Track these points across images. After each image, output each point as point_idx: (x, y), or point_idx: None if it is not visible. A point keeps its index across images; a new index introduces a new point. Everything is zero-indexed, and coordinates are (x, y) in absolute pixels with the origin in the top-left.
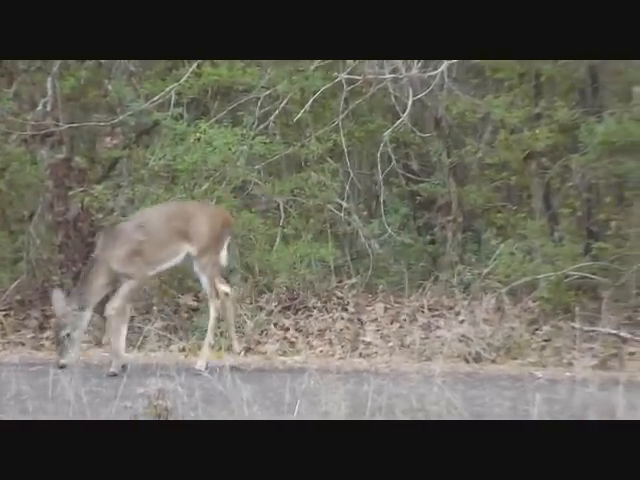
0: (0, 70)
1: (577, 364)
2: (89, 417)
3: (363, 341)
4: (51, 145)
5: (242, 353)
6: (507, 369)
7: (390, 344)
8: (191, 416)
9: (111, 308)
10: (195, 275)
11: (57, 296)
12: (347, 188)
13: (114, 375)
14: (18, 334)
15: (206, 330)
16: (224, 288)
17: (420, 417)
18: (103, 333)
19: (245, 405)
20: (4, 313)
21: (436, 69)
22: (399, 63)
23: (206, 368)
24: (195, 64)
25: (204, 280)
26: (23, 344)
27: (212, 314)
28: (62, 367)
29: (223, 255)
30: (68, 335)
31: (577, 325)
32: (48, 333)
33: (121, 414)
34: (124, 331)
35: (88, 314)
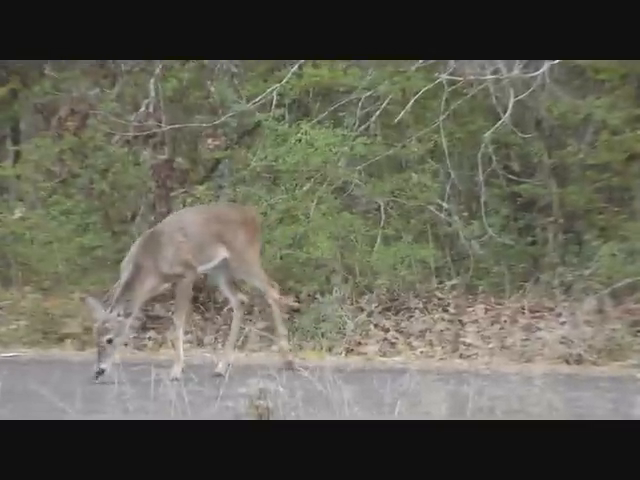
0: (103, 72)
1: None
2: (190, 417)
3: (463, 342)
4: (153, 146)
5: (343, 354)
6: (608, 371)
7: (490, 345)
8: (292, 416)
9: (178, 318)
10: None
11: (93, 303)
12: (448, 189)
13: (219, 375)
14: None
15: (308, 331)
16: (241, 297)
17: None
18: (205, 334)
19: (346, 405)
20: None
21: (537, 70)
22: (500, 64)
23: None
24: (296, 65)
25: (253, 282)
26: (126, 344)
27: (275, 311)
28: (101, 372)
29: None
30: (110, 341)
31: None
32: (150, 333)
33: (223, 414)
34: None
35: (130, 320)
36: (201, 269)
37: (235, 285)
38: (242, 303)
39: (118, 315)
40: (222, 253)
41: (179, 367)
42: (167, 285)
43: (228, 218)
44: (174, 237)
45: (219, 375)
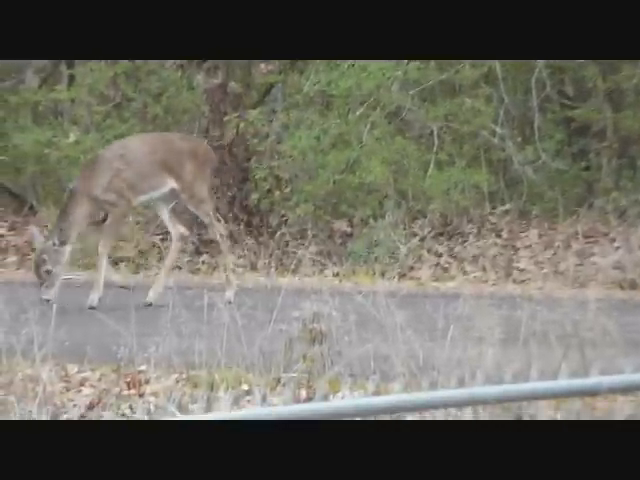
0: None
1: None
2: (244, 340)
3: (517, 267)
4: (207, 70)
5: (395, 278)
6: None
7: (544, 270)
8: (345, 340)
9: (102, 246)
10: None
11: (35, 233)
12: (501, 114)
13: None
14: None
15: (361, 255)
16: (181, 229)
17: (574, 343)
18: (258, 258)
19: (399, 329)
20: (161, 237)
21: None
22: None
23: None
24: None
25: (200, 215)
26: (180, 268)
27: (223, 247)
28: (47, 301)
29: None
30: (49, 272)
31: None
32: (204, 257)
33: (276, 337)
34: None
35: (68, 248)
36: (143, 198)
37: (175, 217)
38: (182, 235)
39: (54, 244)
40: (169, 183)
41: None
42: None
43: (177, 148)
44: (113, 163)
45: (149, 305)
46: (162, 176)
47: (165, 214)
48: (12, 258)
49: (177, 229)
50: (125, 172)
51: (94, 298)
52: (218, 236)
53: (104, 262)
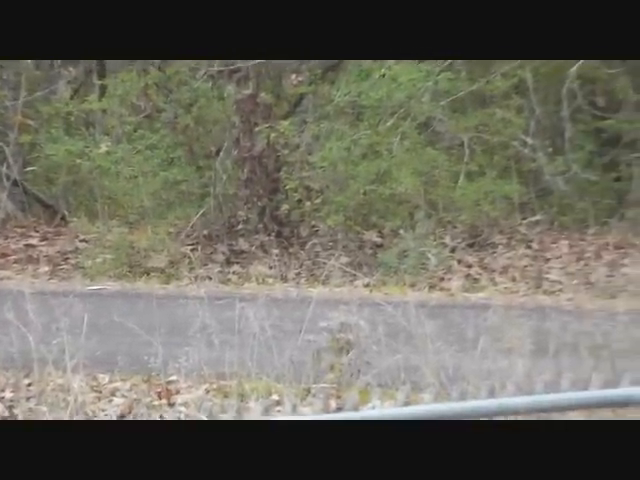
0: None
1: None
2: (274, 350)
3: (547, 278)
4: (238, 81)
5: (425, 289)
6: None
7: (574, 281)
8: (374, 350)
9: None
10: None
11: None
12: (532, 124)
13: None
14: (205, 268)
15: (391, 266)
16: None
17: (605, 354)
18: (288, 268)
19: (428, 340)
20: (192, 247)
21: None
22: None
23: None
24: None
25: None
26: (210, 278)
27: None
28: None
29: None
30: None
31: None
32: (235, 268)
33: (306, 348)
34: None
35: None
36: None
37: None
38: None
39: None
40: None
41: None
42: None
43: None
44: None
45: None
46: None
47: None
48: (44, 268)
49: None
50: None
51: None
52: None
53: None
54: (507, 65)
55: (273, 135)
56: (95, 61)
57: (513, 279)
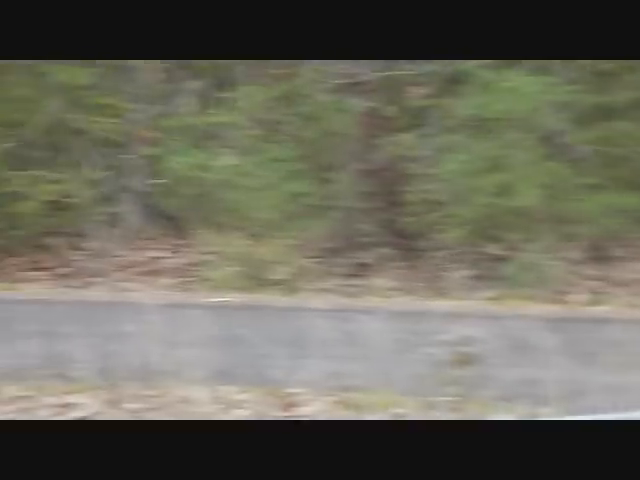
0: None
1: None
2: (393, 363)
3: None
4: (360, 94)
5: (547, 302)
6: None
7: None
8: (496, 364)
9: None
10: None
11: None
12: None
13: None
14: (327, 280)
15: (512, 280)
16: None
17: None
18: (410, 280)
19: (551, 353)
20: (314, 260)
21: None
22: None
23: None
24: None
25: None
26: (331, 291)
27: None
28: None
29: None
30: None
31: None
32: (356, 280)
33: (425, 361)
34: None
35: None
36: None
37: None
38: None
39: None
40: None
41: None
42: None
43: None
44: None
45: None
46: None
47: None
48: (169, 280)
49: None
50: None
51: None
52: None
53: None
54: (630, 77)
55: (395, 148)
56: (218, 75)
57: (636, 293)
